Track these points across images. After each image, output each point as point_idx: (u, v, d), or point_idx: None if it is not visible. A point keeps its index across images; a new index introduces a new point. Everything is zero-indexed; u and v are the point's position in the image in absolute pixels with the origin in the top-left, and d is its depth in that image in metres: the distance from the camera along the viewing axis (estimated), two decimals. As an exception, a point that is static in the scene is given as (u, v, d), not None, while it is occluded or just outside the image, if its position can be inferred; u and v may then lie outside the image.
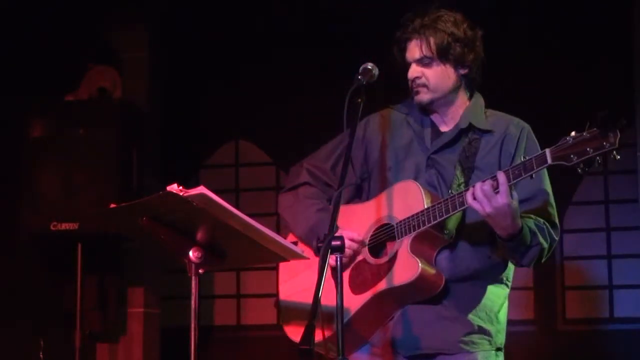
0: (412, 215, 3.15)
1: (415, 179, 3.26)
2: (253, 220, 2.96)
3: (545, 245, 3.17)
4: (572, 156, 2.89)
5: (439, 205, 3.10)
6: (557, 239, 3.23)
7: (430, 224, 3.12)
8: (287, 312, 3.46)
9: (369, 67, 3.20)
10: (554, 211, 3.28)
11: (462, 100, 3.36)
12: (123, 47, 6.28)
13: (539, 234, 3.15)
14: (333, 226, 2.89)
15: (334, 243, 2.86)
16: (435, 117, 3.38)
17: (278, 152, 6.50)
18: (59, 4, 5.95)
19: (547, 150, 2.94)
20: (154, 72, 6.32)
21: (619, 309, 6.20)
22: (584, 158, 2.88)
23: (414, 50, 3.28)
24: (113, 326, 6.10)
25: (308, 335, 2.66)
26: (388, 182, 3.33)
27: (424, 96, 3.29)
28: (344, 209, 3.38)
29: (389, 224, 3.23)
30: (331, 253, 2.86)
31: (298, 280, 3.42)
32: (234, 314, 6.56)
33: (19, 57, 6.03)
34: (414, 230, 3.14)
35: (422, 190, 3.18)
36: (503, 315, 3.32)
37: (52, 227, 5.57)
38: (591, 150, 2.87)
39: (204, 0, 6.27)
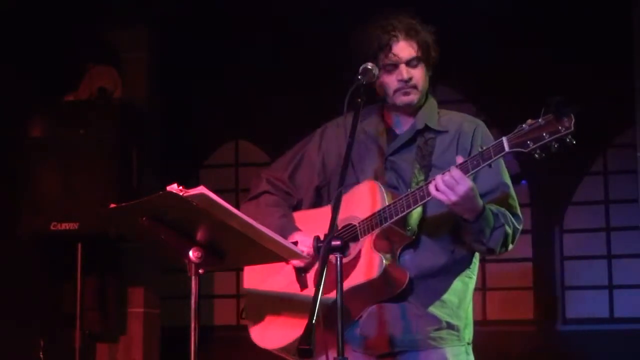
0: (374, 214, 3.16)
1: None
2: (253, 220, 2.96)
3: (509, 230, 3.19)
4: (528, 142, 2.92)
5: (400, 201, 3.12)
6: (519, 228, 3.24)
7: (392, 220, 3.13)
8: (253, 316, 3.47)
9: (369, 67, 3.20)
10: (515, 203, 3.29)
11: (420, 102, 3.38)
12: (123, 47, 6.28)
13: (501, 217, 3.18)
14: (333, 226, 2.89)
15: (334, 243, 2.85)
16: (389, 120, 3.40)
17: (278, 152, 6.48)
18: (59, 4, 5.95)
19: (504, 138, 2.97)
20: (154, 72, 6.32)
21: (619, 309, 6.21)
22: (540, 143, 2.90)
23: (405, 50, 3.29)
24: (113, 326, 6.10)
25: (308, 335, 2.67)
26: (348, 187, 3.32)
27: (414, 97, 3.31)
28: (303, 214, 3.46)
29: (351, 224, 3.23)
30: (331, 253, 2.86)
31: (266, 284, 3.43)
32: (234, 314, 6.57)
33: (19, 57, 6.03)
34: (376, 228, 3.15)
35: (383, 189, 3.20)
36: (469, 310, 3.34)
37: (52, 227, 5.57)
38: (547, 135, 2.90)
39: (203, 0, 6.27)
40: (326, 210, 3.35)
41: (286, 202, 3.50)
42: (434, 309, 3.23)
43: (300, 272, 3.33)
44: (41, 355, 5.63)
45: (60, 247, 5.87)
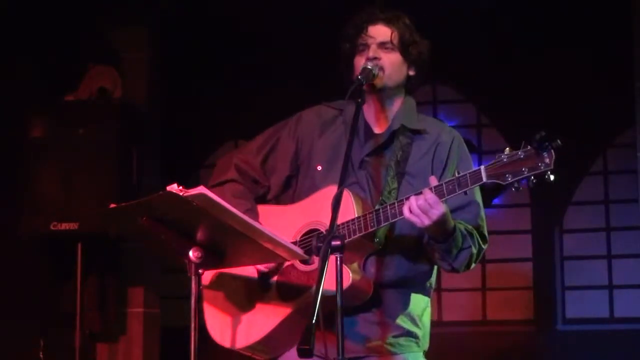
0: (343, 224, 3.09)
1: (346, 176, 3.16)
2: (253, 220, 2.96)
3: (475, 251, 3.17)
4: (507, 175, 2.88)
5: (371, 215, 3.06)
6: (484, 248, 3.22)
7: (360, 234, 3.08)
8: (211, 313, 3.43)
9: (369, 67, 3.18)
10: (483, 223, 3.26)
11: (398, 100, 3.33)
12: (123, 47, 6.28)
13: (469, 238, 3.16)
14: (333, 225, 2.87)
15: (334, 243, 2.82)
16: (368, 116, 3.34)
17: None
18: (59, 4, 5.95)
19: (482, 168, 2.93)
20: (154, 72, 6.32)
21: (619, 309, 6.21)
22: (518, 178, 2.87)
23: (381, 32, 3.25)
24: (113, 326, 6.09)
25: (308, 335, 2.66)
26: (318, 181, 3.29)
27: (378, 80, 3.23)
28: (271, 209, 3.39)
29: (318, 229, 3.18)
30: (331, 253, 2.83)
31: (225, 283, 3.38)
32: (234, 314, 6.56)
33: (19, 56, 6.03)
34: (344, 239, 2.99)
35: (353, 198, 3.13)
36: (427, 320, 3.32)
37: (52, 227, 5.56)
38: (526, 170, 2.86)
39: (203, 0, 6.27)
40: (295, 208, 3.31)
41: (252, 193, 3.42)
42: (394, 318, 3.21)
43: (264, 275, 3.27)
44: (41, 355, 5.63)
45: (60, 247, 5.86)
